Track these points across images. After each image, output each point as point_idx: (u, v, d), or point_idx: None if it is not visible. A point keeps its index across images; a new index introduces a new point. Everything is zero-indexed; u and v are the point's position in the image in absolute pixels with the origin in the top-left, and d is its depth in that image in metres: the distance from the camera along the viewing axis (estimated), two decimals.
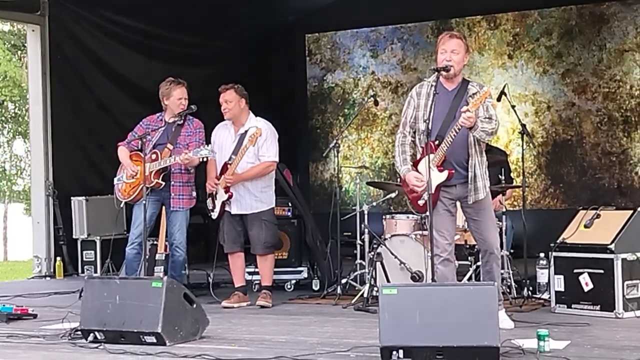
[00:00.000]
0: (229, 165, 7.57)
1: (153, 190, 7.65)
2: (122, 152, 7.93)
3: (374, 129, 13.42)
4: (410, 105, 6.26)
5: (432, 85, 6.07)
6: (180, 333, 5.73)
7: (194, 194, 7.90)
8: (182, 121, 7.84)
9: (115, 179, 8.00)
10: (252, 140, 7.44)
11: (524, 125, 7.86)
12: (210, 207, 7.75)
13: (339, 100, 13.77)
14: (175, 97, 7.83)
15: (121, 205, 8.01)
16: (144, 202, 7.31)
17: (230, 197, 7.58)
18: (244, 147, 7.49)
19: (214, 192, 7.68)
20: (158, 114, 7.98)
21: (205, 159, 7.59)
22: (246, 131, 7.63)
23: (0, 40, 21.29)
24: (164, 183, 7.71)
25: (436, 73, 6.08)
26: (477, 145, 6.11)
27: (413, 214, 7.28)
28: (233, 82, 7.80)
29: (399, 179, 7.10)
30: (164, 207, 7.85)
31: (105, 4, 11.22)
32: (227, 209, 7.66)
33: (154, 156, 7.68)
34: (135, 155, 7.87)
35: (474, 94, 6.05)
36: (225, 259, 7.87)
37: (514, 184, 8.55)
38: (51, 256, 10.77)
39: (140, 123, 7.98)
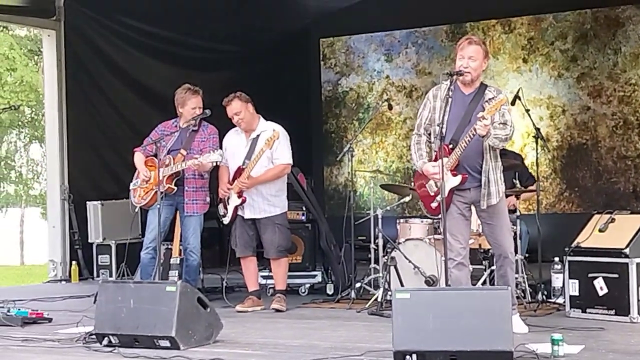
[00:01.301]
0: (243, 170, 7.57)
1: (167, 194, 7.67)
2: (138, 157, 7.96)
3: (388, 133, 13.42)
4: (425, 107, 6.26)
5: (448, 89, 6.06)
6: (194, 337, 5.74)
7: (208, 199, 7.92)
8: (196, 127, 7.86)
9: (132, 184, 8.02)
10: (269, 143, 7.42)
11: (538, 129, 7.84)
12: (222, 213, 7.75)
13: (353, 105, 13.78)
14: (190, 106, 7.82)
15: (136, 210, 8.04)
16: (158, 206, 7.33)
17: (243, 201, 7.58)
18: (261, 151, 7.48)
19: (227, 197, 7.69)
20: (173, 120, 8.00)
21: (216, 164, 7.60)
22: (258, 135, 7.63)
23: (17, 46, 21.40)
24: (176, 188, 7.72)
25: (451, 77, 6.07)
26: (492, 151, 6.10)
27: (427, 218, 7.27)
28: (245, 86, 7.82)
29: (413, 183, 7.10)
30: (178, 212, 7.88)
31: (121, 9, 11.25)
32: (239, 213, 7.66)
33: (167, 161, 7.69)
34: (151, 160, 7.90)
35: (490, 99, 6.05)
36: (238, 263, 7.88)
37: (534, 182, 8.48)
38: (67, 260, 10.81)
39: (156, 129, 8.01)
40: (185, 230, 7.86)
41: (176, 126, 7.93)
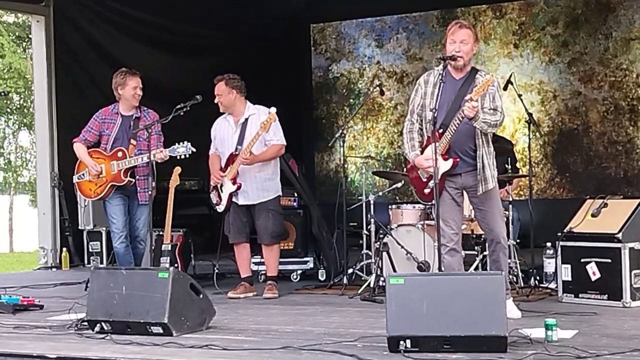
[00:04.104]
0: (236, 156, 7.52)
1: (120, 186, 7.58)
2: (80, 149, 7.77)
3: (379, 119, 13.40)
4: (417, 93, 6.23)
5: (440, 74, 6.04)
6: (186, 323, 5.72)
7: (154, 184, 7.74)
8: (139, 113, 7.69)
9: (75, 177, 7.86)
10: (265, 126, 7.39)
11: (530, 115, 7.84)
12: (215, 201, 7.71)
13: (344, 90, 13.75)
14: (131, 86, 7.67)
15: (85, 204, 7.90)
16: (148, 194, 7.26)
17: (238, 188, 7.54)
18: (257, 134, 7.43)
19: (219, 185, 7.65)
20: (112, 106, 7.81)
21: (185, 156, 7.46)
22: (247, 119, 7.60)
23: (5, 32, 21.26)
24: (134, 180, 7.59)
25: (444, 62, 6.04)
26: (484, 135, 6.08)
27: (419, 203, 7.26)
28: (235, 72, 7.78)
29: (405, 169, 7.08)
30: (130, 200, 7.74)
31: None
32: (234, 200, 7.63)
33: (120, 154, 7.56)
34: (95, 152, 7.73)
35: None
36: (231, 250, 7.86)
37: (517, 171, 8.52)
38: (57, 247, 10.77)
39: (95, 117, 7.80)
40: (135, 220, 7.70)
41: (117, 114, 7.75)
